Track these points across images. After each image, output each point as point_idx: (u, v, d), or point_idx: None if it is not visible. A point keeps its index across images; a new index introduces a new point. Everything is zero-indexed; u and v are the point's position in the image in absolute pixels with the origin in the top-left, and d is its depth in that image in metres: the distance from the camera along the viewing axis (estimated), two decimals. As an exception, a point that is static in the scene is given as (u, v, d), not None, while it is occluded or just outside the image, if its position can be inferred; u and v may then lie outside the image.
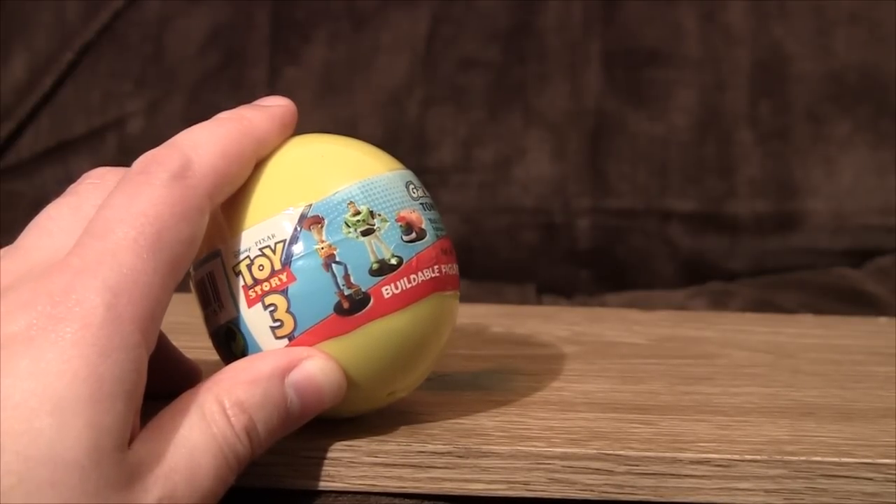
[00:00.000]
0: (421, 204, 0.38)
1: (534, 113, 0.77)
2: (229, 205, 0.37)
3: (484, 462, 0.37)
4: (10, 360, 0.30)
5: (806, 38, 0.79)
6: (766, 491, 0.36)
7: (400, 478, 0.37)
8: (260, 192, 0.38)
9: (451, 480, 0.37)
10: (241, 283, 0.37)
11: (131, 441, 0.32)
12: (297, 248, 0.36)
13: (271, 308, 0.36)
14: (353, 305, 0.36)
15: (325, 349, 0.36)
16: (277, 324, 0.36)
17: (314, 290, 0.36)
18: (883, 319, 0.64)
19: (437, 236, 0.38)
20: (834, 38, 0.79)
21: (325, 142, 0.40)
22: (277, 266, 0.36)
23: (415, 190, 0.38)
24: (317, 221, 0.37)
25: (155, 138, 0.89)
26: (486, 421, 0.39)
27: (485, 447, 0.37)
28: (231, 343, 0.37)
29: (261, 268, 0.37)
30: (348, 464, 0.37)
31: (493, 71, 0.78)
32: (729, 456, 0.36)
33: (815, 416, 0.41)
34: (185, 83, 0.82)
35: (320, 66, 0.82)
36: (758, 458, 0.36)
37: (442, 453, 0.37)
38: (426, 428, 0.38)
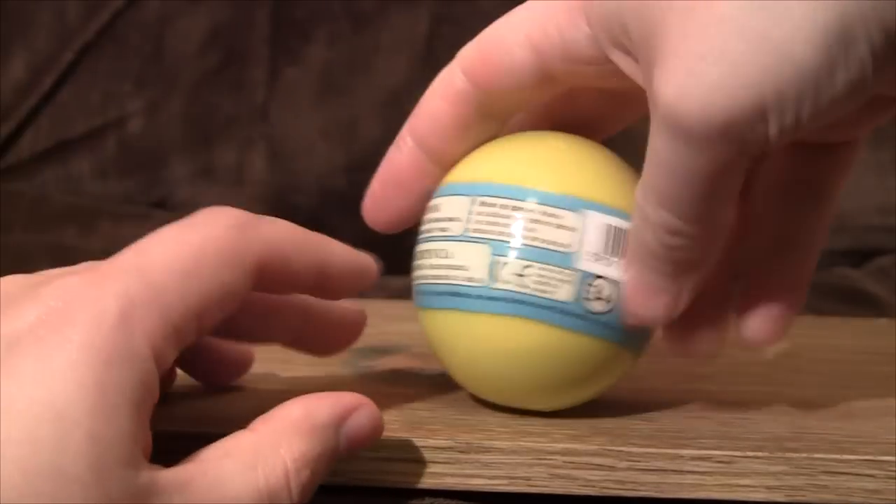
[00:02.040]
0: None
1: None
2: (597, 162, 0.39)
3: (485, 457, 0.36)
4: (16, 361, 0.29)
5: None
6: (768, 487, 0.36)
7: (401, 473, 0.37)
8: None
9: (452, 475, 0.37)
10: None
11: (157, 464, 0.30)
12: None
13: None
14: None
15: None
16: None
17: None
18: (883, 321, 0.64)
19: None
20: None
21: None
22: None
23: None
24: None
25: (155, 138, 0.90)
26: (488, 416, 0.39)
27: (486, 442, 0.37)
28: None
29: None
30: (349, 459, 0.36)
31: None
32: (730, 452, 0.36)
33: (816, 413, 0.41)
34: (185, 83, 0.83)
35: (320, 66, 0.82)
36: (759, 454, 0.36)
37: (443, 448, 0.37)
38: (427, 423, 0.38)
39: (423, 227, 0.40)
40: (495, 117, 0.40)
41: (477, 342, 0.38)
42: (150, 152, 0.83)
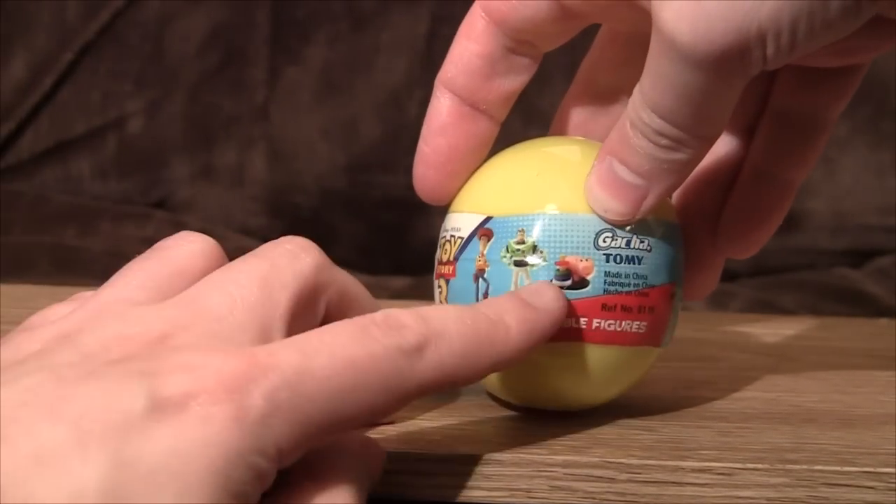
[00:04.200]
0: (605, 255, 0.38)
1: (534, 113, 0.77)
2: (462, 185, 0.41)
3: (485, 469, 0.36)
4: (156, 425, 0.29)
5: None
6: (768, 499, 0.36)
7: (401, 484, 0.37)
8: (473, 185, 0.41)
9: (451, 487, 0.37)
10: (438, 255, 0.41)
11: None
12: (466, 251, 0.39)
13: (439, 289, 0.41)
14: None
15: None
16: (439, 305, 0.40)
17: (462, 292, 0.39)
18: (883, 321, 0.64)
19: (607, 291, 0.38)
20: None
21: (551, 158, 0.40)
22: (451, 257, 0.40)
23: (607, 240, 0.38)
24: (487, 235, 0.39)
25: (155, 138, 0.90)
26: (488, 428, 0.39)
27: (486, 454, 0.37)
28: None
29: (445, 251, 0.40)
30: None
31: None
32: (731, 464, 0.36)
33: (816, 422, 0.41)
34: (185, 83, 0.83)
35: (320, 66, 0.82)
36: (759, 466, 0.36)
37: (443, 460, 0.37)
38: (427, 434, 0.38)
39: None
40: (523, 53, 0.40)
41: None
42: (150, 152, 0.83)
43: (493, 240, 0.38)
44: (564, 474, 0.36)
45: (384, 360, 0.32)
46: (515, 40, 0.40)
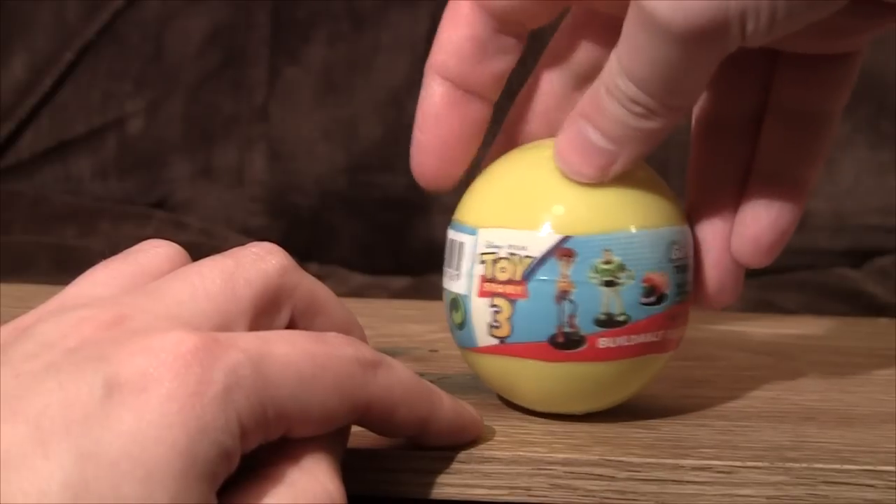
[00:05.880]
0: (675, 266, 0.38)
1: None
2: (496, 192, 0.39)
3: (486, 467, 0.36)
4: (115, 409, 0.28)
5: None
6: (768, 497, 0.36)
7: (401, 483, 0.37)
8: (529, 199, 0.39)
9: (452, 485, 0.37)
10: (482, 272, 0.38)
11: None
12: (541, 272, 0.38)
13: (496, 309, 0.38)
14: (566, 343, 0.38)
15: (530, 367, 0.38)
16: (496, 325, 0.38)
17: (539, 314, 0.38)
18: (883, 321, 0.64)
19: (676, 301, 0.39)
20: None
21: (624, 176, 0.39)
22: (517, 277, 0.38)
23: (676, 251, 0.39)
24: (568, 255, 0.37)
25: (155, 138, 0.90)
26: (488, 425, 0.39)
27: (486, 452, 0.37)
28: (454, 311, 0.40)
29: (503, 270, 0.38)
30: (348, 468, 0.36)
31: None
32: (731, 462, 0.36)
33: (816, 420, 0.41)
34: (185, 83, 0.83)
35: (320, 66, 0.82)
36: (759, 464, 0.36)
37: (443, 458, 0.37)
38: (428, 433, 0.38)
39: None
40: (510, 33, 0.40)
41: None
42: (150, 152, 0.83)
43: (576, 260, 0.37)
44: (564, 472, 0.36)
45: (342, 362, 0.32)
46: (501, 21, 0.40)
